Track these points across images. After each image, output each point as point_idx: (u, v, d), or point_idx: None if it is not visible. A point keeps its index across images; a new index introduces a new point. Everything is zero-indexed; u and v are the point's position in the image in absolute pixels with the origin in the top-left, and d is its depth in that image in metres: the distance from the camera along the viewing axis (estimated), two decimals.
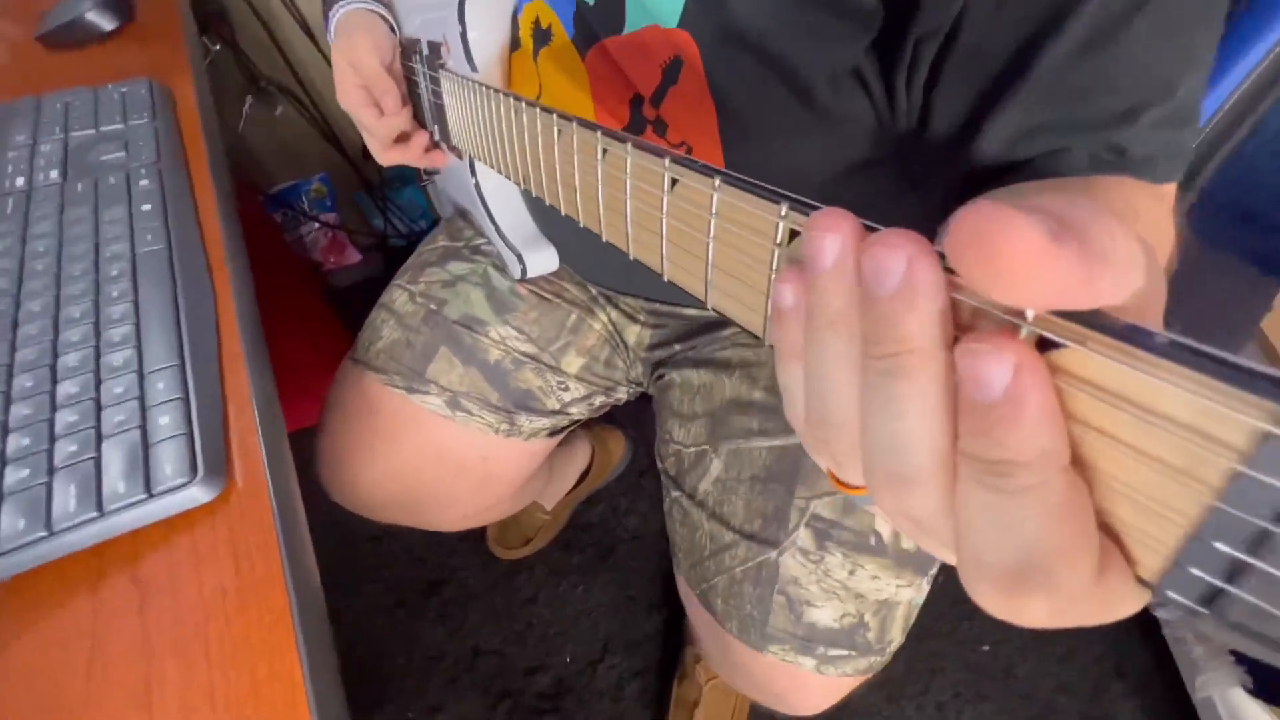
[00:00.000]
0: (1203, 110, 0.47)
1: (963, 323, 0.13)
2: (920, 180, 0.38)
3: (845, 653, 0.47)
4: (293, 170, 1.17)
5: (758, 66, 0.33)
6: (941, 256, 0.13)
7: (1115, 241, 0.11)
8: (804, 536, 0.47)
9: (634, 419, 1.08)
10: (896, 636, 0.49)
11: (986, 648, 0.92)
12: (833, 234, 0.14)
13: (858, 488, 0.17)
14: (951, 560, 0.14)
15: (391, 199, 1.25)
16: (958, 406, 0.13)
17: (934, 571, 0.49)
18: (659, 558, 1.01)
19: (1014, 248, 0.11)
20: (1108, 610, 0.12)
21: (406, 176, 1.26)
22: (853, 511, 0.47)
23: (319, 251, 1.26)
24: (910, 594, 0.48)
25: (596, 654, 0.93)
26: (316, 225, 1.23)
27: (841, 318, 0.14)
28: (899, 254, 0.13)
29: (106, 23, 0.62)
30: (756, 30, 0.32)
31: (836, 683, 0.49)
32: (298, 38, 1.02)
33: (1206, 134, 0.54)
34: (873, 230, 0.14)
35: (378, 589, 0.98)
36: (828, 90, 0.33)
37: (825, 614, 0.47)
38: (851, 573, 0.46)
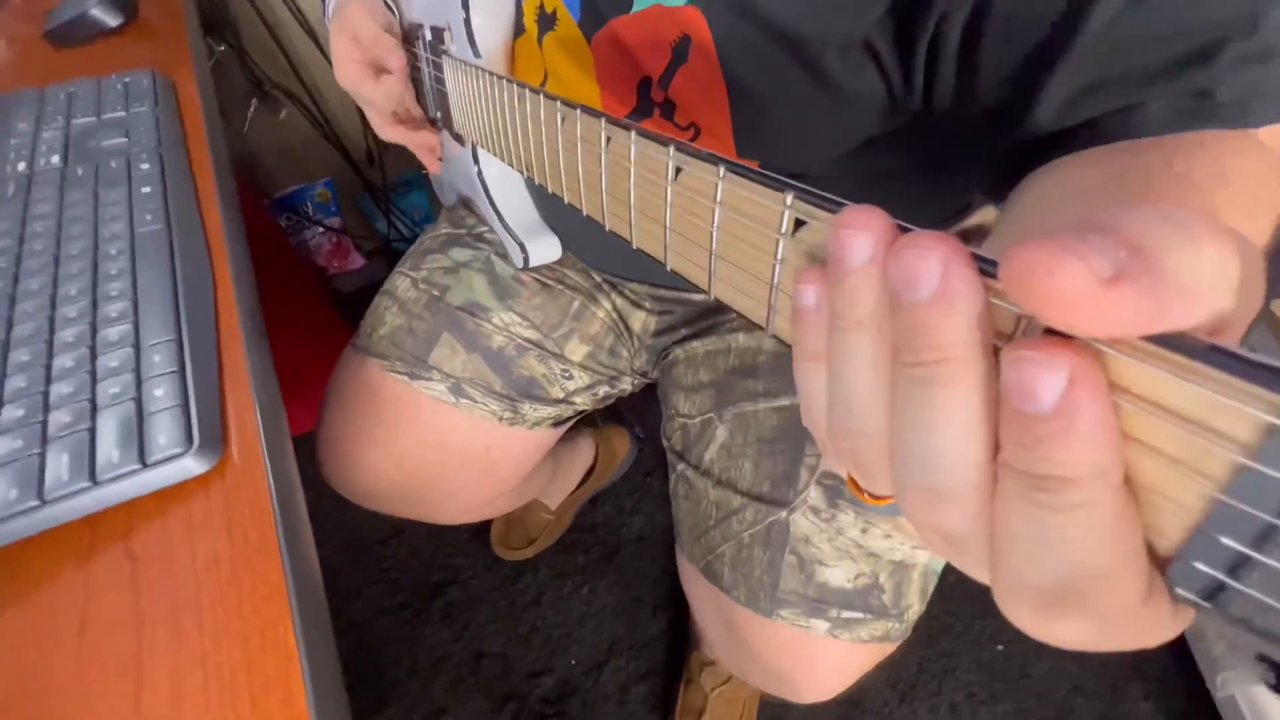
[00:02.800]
0: None
1: (1001, 328, 0.13)
2: (958, 154, 0.37)
3: (859, 615, 0.45)
4: (297, 175, 1.18)
5: (768, 40, 0.33)
6: (977, 257, 0.12)
7: (1196, 267, 0.10)
8: (815, 494, 0.46)
9: (639, 417, 1.07)
10: (914, 602, 0.47)
11: (1001, 647, 0.90)
12: (863, 231, 0.13)
13: (882, 498, 0.16)
14: (984, 578, 0.14)
15: (395, 203, 1.26)
16: (1001, 417, 0.12)
17: None
18: (664, 558, 1.00)
19: (1063, 295, 0.10)
20: (1148, 635, 0.12)
21: (410, 180, 1.27)
22: None
23: (323, 256, 1.26)
24: (926, 556, 0.46)
25: (602, 656, 0.91)
26: (321, 230, 1.23)
27: (871, 320, 0.13)
28: (933, 258, 0.12)
29: (111, 19, 0.63)
30: (766, 1, 0.32)
31: (849, 653, 0.46)
32: (302, 41, 1.03)
33: None
34: (905, 230, 0.13)
35: (381, 591, 0.97)
36: (837, 63, 0.32)
37: (838, 574, 0.45)
38: (864, 531, 0.45)
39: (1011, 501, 0.12)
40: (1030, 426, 0.11)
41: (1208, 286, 0.10)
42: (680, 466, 0.53)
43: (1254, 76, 0.25)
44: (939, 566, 0.48)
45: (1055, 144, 0.28)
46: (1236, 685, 0.78)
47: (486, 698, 0.88)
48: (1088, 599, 0.11)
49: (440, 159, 0.54)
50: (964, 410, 0.12)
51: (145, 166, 0.46)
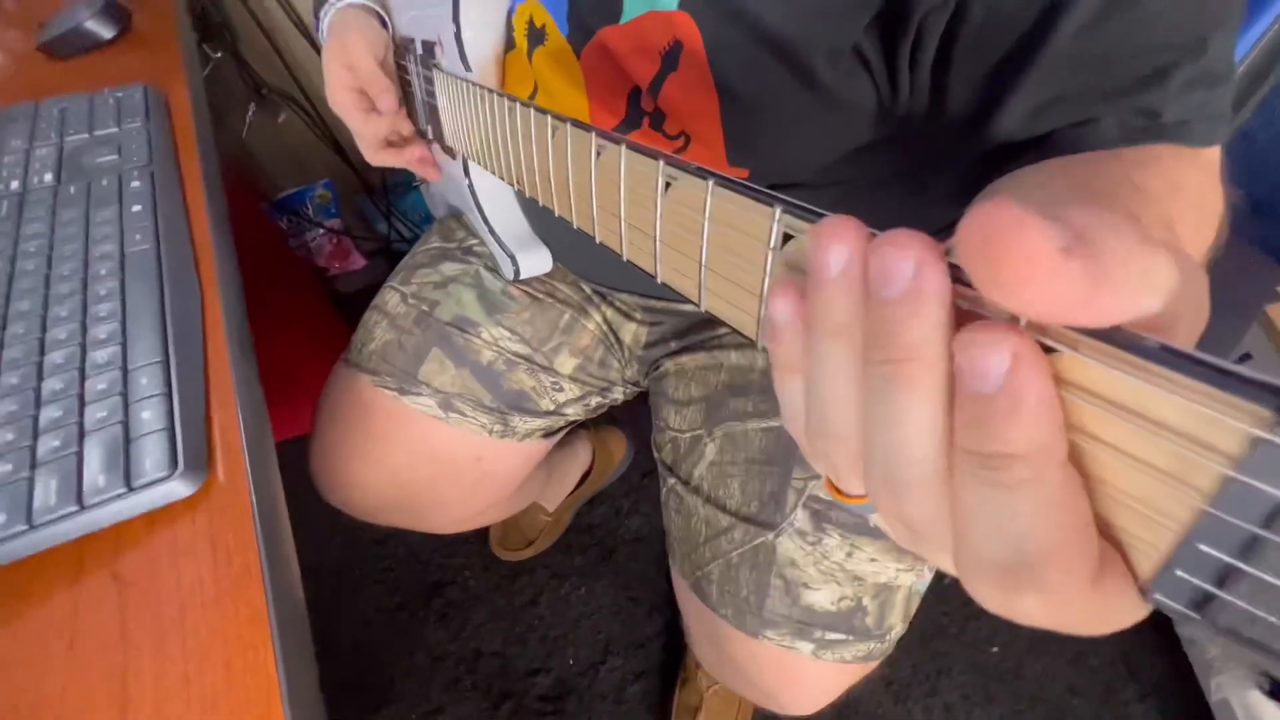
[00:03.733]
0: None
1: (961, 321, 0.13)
2: (931, 162, 0.38)
3: (843, 637, 0.46)
4: (297, 177, 1.19)
5: (758, 47, 0.33)
6: (948, 254, 0.13)
7: (1126, 264, 0.11)
8: (801, 518, 0.46)
9: (635, 419, 1.07)
10: (897, 623, 0.48)
11: (995, 649, 0.91)
12: (840, 242, 0.14)
13: (858, 497, 0.17)
14: (948, 567, 0.15)
15: (395, 204, 1.26)
16: (956, 402, 0.12)
17: None
18: (661, 559, 1.00)
19: (1022, 253, 0.10)
20: (1104, 618, 0.12)
21: (410, 182, 1.27)
22: None
23: (323, 257, 1.27)
24: (910, 579, 0.47)
25: (599, 656, 0.92)
26: (321, 231, 1.24)
27: (844, 329, 0.14)
28: (907, 256, 0.12)
29: (105, 31, 0.63)
30: (757, 8, 0.31)
31: (834, 673, 0.47)
32: (299, 45, 1.03)
33: None
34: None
35: (380, 590, 0.99)
36: (828, 70, 0.32)
37: (822, 596, 0.46)
38: (849, 554, 0.46)
39: (966, 483, 0.13)
40: (981, 405, 0.12)
41: (1135, 284, 0.11)
42: (671, 480, 0.54)
43: (1199, 99, 0.27)
44: (923, 587, 0.48)
45: (1015, 157, 0.30)
46: (1231, 689, 0.78)
47: (484, 697, 0.89)
48: (1039, 574, 0.12)
49: (438, 168, 0.54)
50: (925, 406, 0.13)
51: (136, 184, 0.46)
